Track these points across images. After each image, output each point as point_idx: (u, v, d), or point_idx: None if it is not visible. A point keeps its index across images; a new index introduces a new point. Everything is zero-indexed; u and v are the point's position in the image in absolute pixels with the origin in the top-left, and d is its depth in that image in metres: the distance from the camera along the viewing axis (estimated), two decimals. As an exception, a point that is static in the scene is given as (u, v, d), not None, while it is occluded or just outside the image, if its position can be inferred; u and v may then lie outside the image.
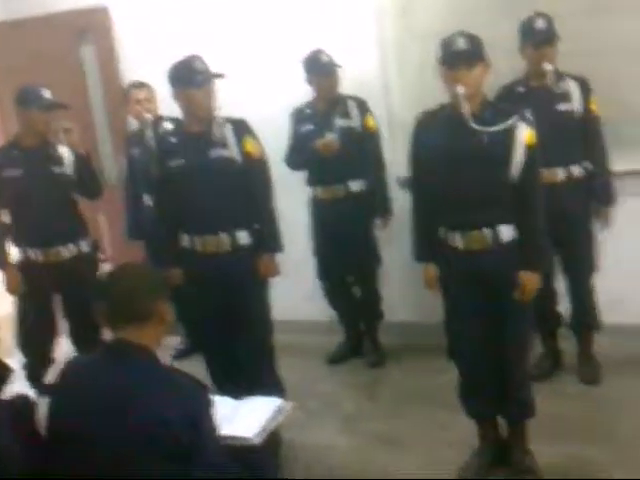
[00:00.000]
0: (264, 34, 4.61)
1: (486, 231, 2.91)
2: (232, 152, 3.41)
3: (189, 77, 3.34)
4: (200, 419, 2.13)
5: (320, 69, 4.21)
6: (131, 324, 2.21)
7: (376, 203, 4.31)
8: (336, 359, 4.51)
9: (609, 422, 3.50)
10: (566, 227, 3.68)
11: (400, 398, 3.98)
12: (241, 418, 2.63)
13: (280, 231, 3.60)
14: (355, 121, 4.23)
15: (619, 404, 3.66)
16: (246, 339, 3.51)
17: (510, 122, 2.84)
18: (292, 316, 4.43)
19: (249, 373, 3.50)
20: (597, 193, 3.80)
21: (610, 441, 3.31)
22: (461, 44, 2.80)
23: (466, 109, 2.80)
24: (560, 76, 3.72)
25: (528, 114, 2.92)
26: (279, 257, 3.59)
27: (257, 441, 2.54)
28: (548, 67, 3.65)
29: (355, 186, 4.26)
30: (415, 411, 3.78)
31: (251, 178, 3.47)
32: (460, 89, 2.77)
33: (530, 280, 2.91)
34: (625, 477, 3.03)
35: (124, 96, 4.61)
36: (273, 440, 2.81)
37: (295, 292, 4.57)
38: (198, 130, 3.42)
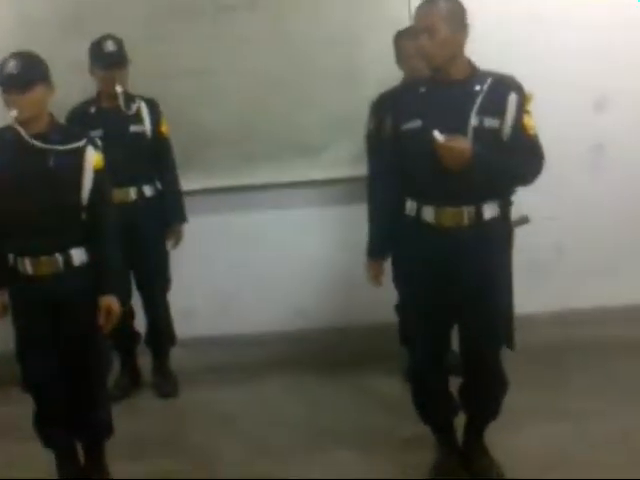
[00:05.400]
0: None
1: (57, 256, 2.83)
2: None
3: None
4: None
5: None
6: None
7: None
8: None
9: (185, 433, 3.63)
10: (139, 245, 3.75)
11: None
12: None
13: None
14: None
15: (194, 414, 3.82)
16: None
17: (79, 144, 2.80)
18: None
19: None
20: (168, 212, 3.94)
21: (186, 452, 3.44)
22: (12, 68, 2.67)
23: (23, 133, 2.71)
24: (131, 98, 3.80)
25: (97, 138, 2.92)
26: None
27: None
28: (119, 89, 3.69)
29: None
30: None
31: None
32: (13, 113, 2.67)
33: (112, 303, 2.88)
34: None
35: None
36: None
37: None
38: None
